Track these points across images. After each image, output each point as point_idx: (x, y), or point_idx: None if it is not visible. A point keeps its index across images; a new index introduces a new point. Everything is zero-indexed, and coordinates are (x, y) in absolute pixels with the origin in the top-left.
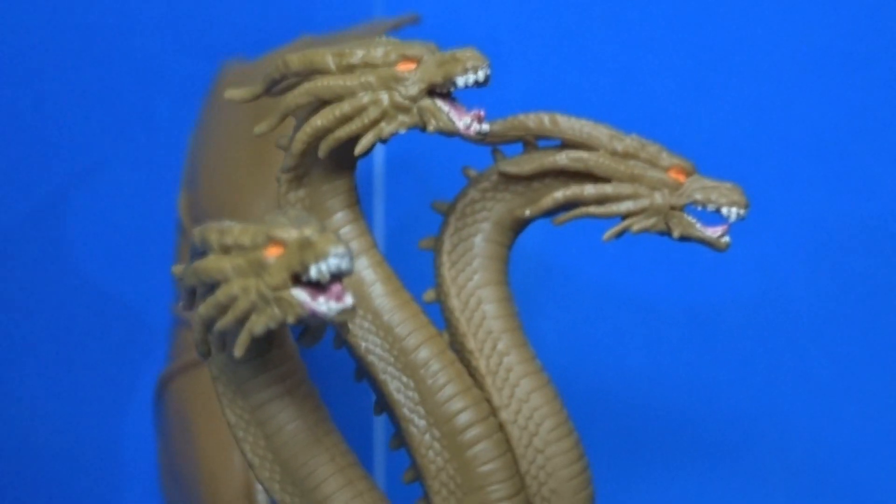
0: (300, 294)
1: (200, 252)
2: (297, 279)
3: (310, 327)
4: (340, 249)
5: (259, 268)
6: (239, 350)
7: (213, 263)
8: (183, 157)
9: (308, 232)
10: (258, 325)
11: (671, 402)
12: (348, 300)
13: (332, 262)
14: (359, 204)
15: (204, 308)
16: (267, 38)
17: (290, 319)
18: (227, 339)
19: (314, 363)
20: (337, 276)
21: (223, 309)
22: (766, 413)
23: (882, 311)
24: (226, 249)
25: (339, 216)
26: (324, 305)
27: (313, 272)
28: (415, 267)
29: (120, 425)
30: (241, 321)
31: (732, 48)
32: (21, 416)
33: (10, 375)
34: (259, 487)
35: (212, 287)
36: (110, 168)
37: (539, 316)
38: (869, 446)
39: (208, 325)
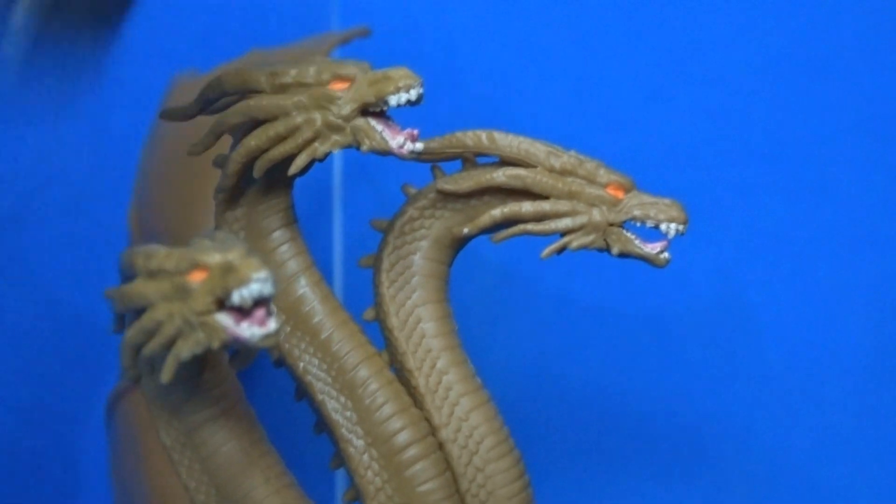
0: (224, 319)
1: (128, 276)
2: (222, 304)
3: (239, 350)
4: (262, 274)
5: (183, 293)
6: (166, 376)
7: (139, 288)
8: (136, 168)
9: (231, 256)
10: (184, 350)
11: (630, 412)
12: (271, 325)
13: (255, 288)
14: (296, 223)
15: (131, 333)
16: (221, 49)
17: (215, 345)
18: (154, 364)
19: (274, 379)
20: (260, 301)
21: (149, 334)
22: (726, 420)
23: (841, 315)
24: (151, 274)
25: (277, 235)
26: (247, 331)
27: (236, 298)
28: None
29: (75, 440)
30: (167, 347)
31: (686, 57)
32: None
33: None
34: None
35: (139, 312)
36: (65, 179)
37: (498, 324)
38: (828, 452)
39: (136, 350)
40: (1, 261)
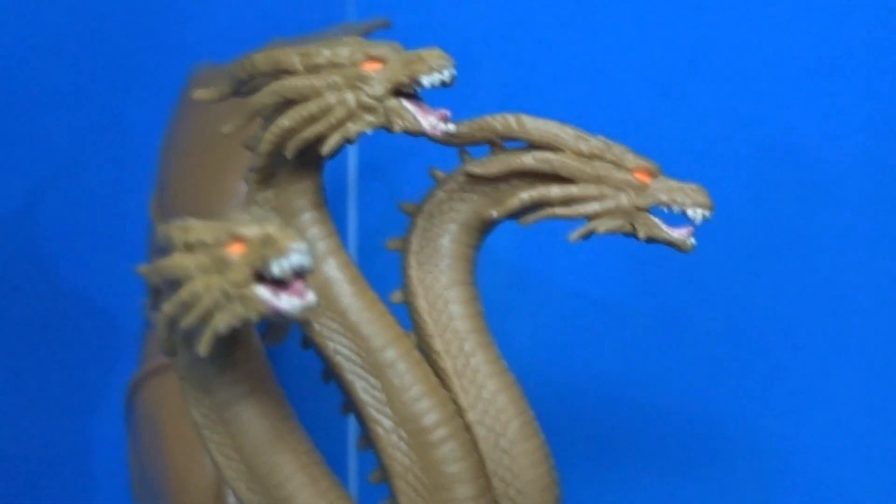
0: (262, 291)
1: (164, 250)
2: (260, 276)
3: (273, 324)
4: (301, 246)
5: (222, 265)
6: (203, 348)
7: (177, 261)
8: (155, 159)
9: (270, 229)
10: (222, 322)
11: (643, 405)
12: (310, 297)
13: (294, 259)
14: (326, 204)
15: (168, 306)
16: (239, 41)
17: (254, 317)
18: (191, 337)
19: (288, 363)
20: (299, 273)
21: (187, 307)
22: (737, 416)
23: (852, 315)
24: (189, 247)
25: (307, 216)
26: (286, 302)
27: (275, 269)
28: (388, 268)
29: (91, 429)
30: (205, 319)
31: (705, 50)
32: None
33: None
34: (228, 491)
35: (176, 285)
36: (83, 170)
37: (511, 319)
38: (839, 450)
39: (173, 323)
40: (16, 253)
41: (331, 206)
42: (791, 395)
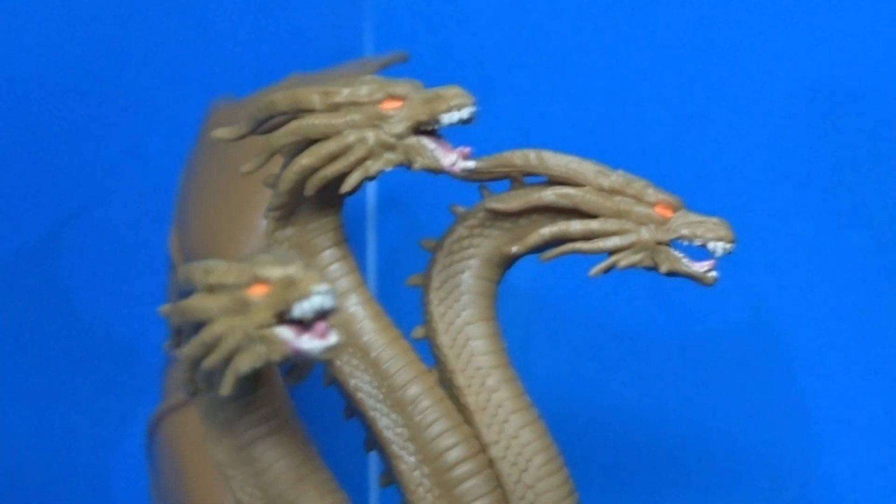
0: (285, 332)
1: (186, 291)
2: (282, 317)
3: (296, 364)
4: (324, 288)
5: (244, 307)
6: (225, 389)
7: (198, 303)
8: (174, 193)
9: (292, 270)
10: (244, 363)
11: (664, 436)
12: (332, 338)
13: (316, 301)
14: (347, 241)
15: (190, 348)
16: (258, 75)
17: (276, 358)
18: (213, 378)
19: (308, 399)
20: (321, 315)
21: (209, 348)
22: (760, 446)
23: (874, 340)
24: (210, 289)
25: (328, 254)
26: (308, 343)
27: (297, 311)
28: (406, 303)
29: (112, 464)
30: (227, 360)
31: (723, 79)
32: (13, 453)
33: (2, 411)
34: None
35: (198, 326)
36: (103, 204)
37: (531, 350)
38: (863, 479)
39: (195, 364)
40: (38, 285)
41: (351, 241)
42: (816, 423)
